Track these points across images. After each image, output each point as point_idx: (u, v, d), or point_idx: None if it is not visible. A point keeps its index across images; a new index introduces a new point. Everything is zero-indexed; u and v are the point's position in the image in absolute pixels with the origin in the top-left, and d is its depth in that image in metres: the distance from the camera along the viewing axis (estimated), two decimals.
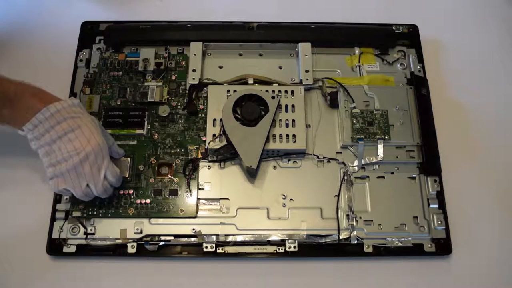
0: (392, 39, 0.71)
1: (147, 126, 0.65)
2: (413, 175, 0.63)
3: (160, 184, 0.61)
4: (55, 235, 0.59)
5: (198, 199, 0.61)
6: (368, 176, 0.63)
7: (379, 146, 0.63)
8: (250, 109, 0.62)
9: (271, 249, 0.59)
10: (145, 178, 0.62)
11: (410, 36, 0.73)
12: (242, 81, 0.67)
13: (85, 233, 0.59)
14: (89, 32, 0.72)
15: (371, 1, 0.79)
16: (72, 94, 0.67)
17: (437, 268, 0.60)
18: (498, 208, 0.64)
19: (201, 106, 0.66)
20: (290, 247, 0.59)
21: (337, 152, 0.64)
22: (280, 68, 0.69)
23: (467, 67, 0.73)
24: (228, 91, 0.65)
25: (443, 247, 0.60)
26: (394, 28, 0.73)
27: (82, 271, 0.59)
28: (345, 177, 0.62)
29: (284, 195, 0.61)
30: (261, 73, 0.68)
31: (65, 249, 0.58)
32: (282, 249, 0.59)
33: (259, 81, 0.67)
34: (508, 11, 0.78)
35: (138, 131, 0.64)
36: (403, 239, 0.60)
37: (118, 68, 0.68)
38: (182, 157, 0.63)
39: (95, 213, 0.59)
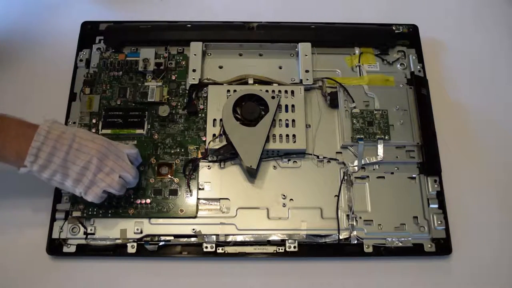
0: (392, 39, 0.71)
1: (147, 126, 0.65)
2: (413, 175, 0.63)
3: (160, 184, 0.61)
4: (55, 235, 0.59)
5: (198, 199, 0.61)
6: (368, 176, 0.63)
7: (379, 146, 0.63)
8: (250, 109, 0.62)
9: (271, 249, 0.59)
10: (145, 178, 0.62)
11: (410, 36, 0.73)
12: (242, 81, 0.67)
13: (85, 233, 0.59)
14: (89, 32, 0.72)
15: (371, 1, 0.79)
16: (72, 94, 0.66)
17: (437, 268, 0.60)
18: (498, 208, 0.64)
19: (201, 106, 0.66)
20: (290, 247, 0.59)
21: (337, 152, 0.64)
22: (280, 68, 0.69)
23: (467, 67, 0.73)
24: (228, 91, 0.65)
25: (443, 247, 0.60)
26: (394, 28, 0.73)
27: (82, 271, 0.59)
28: (345, 177, 0.62)
29: (284, 195, 0.61)
30: (261, 73, 0.68)
31: (65, 249, 0.58)
32: (282, 249, 0.59)
33: (259, 81, 0.67)
34: (508, 11, 0.78)
35: (138, 131, 0.64)
36: (403, 239, 0.60)
37: (118, 68, 0.68)
38: (182, 157, 0.63)
39: (95, 213, 0.59)
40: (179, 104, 0.66)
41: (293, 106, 0.64)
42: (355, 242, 0.59)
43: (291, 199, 0.61)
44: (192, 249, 0.59)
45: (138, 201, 0.60)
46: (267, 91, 0.64)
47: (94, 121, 0.65)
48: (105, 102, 0.66)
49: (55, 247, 0.58)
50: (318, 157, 0.63)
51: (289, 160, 0.63)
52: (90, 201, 0.54)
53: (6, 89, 0.69)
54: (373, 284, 0.59)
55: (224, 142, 0.61)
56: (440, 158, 0.63)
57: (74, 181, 0.53)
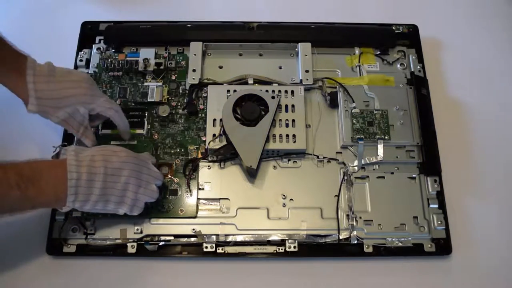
0: (392, 39, 0.71)
1: (147, 126, 0.65)
2: (413, 175, 0.63)
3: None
4: (55, 235, 0.59)
5: (198, 199, 0.61)
6: (368, 176, 0.63)
7: (379, 146, 0.63)
8: (250, 109, 0.62)
9: (271, 249, 0.59)
10: None
11: (410, 36, 0.73)
12: (242, 81, 0.67)
13: (85, 233, 0.59)
14: (89, 32, 0.72)
15: (371, 1, 0.79)
16: None
17: (437, 268, 0.60)
18: (498, 208, 0.64)
19: (201, 106, 0.66)
20: (290, 247, 0.59)
21: (337, 152, 0.64)
22: (280, 68, 0.69)
23: (467, 67, 0.74)
24: (228, 91, 0.65)
25: (443, 247, 0.60)
26: (394, 28, 0.73)
27: (82, 271, 0.59)
28: (345, 177, 0.62)
29: (284, 195, 0.61)
30: (261, 73, 0.68)
31: (65, 249, 0.58)
32: (282, 249, 0.59)
33: (259, 81, 0.67)
34: (508, 11, 0.78)
35: (138, 131, 0.64)
36: (403, 239, 0.60)
37: (118, 68, 0.68)
38: (182, 157, 0.63)
39: (95, 213, 0.59)
40: (179, 104, 0.66)
41: (293, 106, 0.64)
42: (355, 242, 0.59)
43: (291, 199, 0.61)
44: (192, 249, 0.59)
45: None
46: (267, 91, 0.64)
47: None
48: None
49: (55, 247, 0.58)
50: (318, 157, 0.63)
51: (289, 160, 0.63)
52: (136, 215, 0.55)
53: (7, 90, 0.69)
54: (373, 284, 0.59)
55: (224, 142, 0.61)
56: (440, 158, 0.63)
57: (116, 204, 0.53)
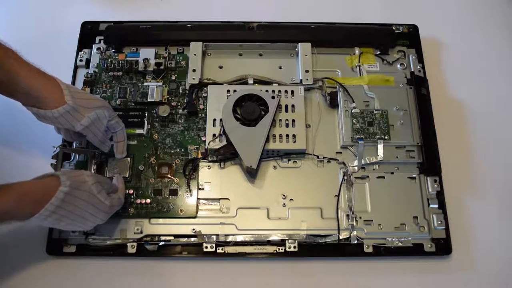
0: (392, 39, 0.71)
1: (147, 126, 0.65)
2: (413, 175, 0.63)
3: (160, 184, 0.61)
4: (55, 235, 0.59)
5: (198, 199, 0.61)
6: (368, 176, 0.63)
7: (379, 146, 0.63)
8: (250, 109, 0.62)
9: (271, 249, 0.59)
10: (145, 178, 0.62)
11: (410, 36, 0.73)
12: (242, 81, 0.67)
13: (85, 233, 0.59)
14: (89, 32, 0.72)
15: (371, 1, 0.79)
16: None
17: (437, 268, 0.60)
18: (498, 208, 0.64)
19: (201, 106, 0.66)
20: (290, 247, 0.59)
21: (337, 152, 0.64)
22: (280, 68, 0.69)
23: (467, 67, 0.74)
24: (228, 91, 0.65)
25: (443, 247, 0.60)
26: (394, 28, 0.73)
27: (82, 271, 0.59)
28: (345, 177, 0.62)
29: (284, 195, 0.61)
30: (261, 73, 0.68)
31: (65, 249, 0.58)
32: (282, 249, 0.59)
33: (259, 81, 0.67)
34: (508, 11, 0.78)
35: (138, 131, 0.64)
36: (403, 239, 0.60)
37: (118, 68, 0.68)
38: (182, 157, 0.63)
39: None
40: (179, 104, 0.66)
41: (293, 106, 0.64)
42: (355, 242, 0.59)
43: (291, 199, 0.61)
44: (192, 249, 0.59)
45: (138, 201, 0.60)
46: (267, 91, 0.64)
47: None
48: None
49: (55, 247, 0.58)
50: (318, 157, 0.63)
51: (289, 160, 0.63)
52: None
53: None
54: (373, 284, 0.59)
55: (224, 142, 0.61)
56: (440, 158, 0.63)
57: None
